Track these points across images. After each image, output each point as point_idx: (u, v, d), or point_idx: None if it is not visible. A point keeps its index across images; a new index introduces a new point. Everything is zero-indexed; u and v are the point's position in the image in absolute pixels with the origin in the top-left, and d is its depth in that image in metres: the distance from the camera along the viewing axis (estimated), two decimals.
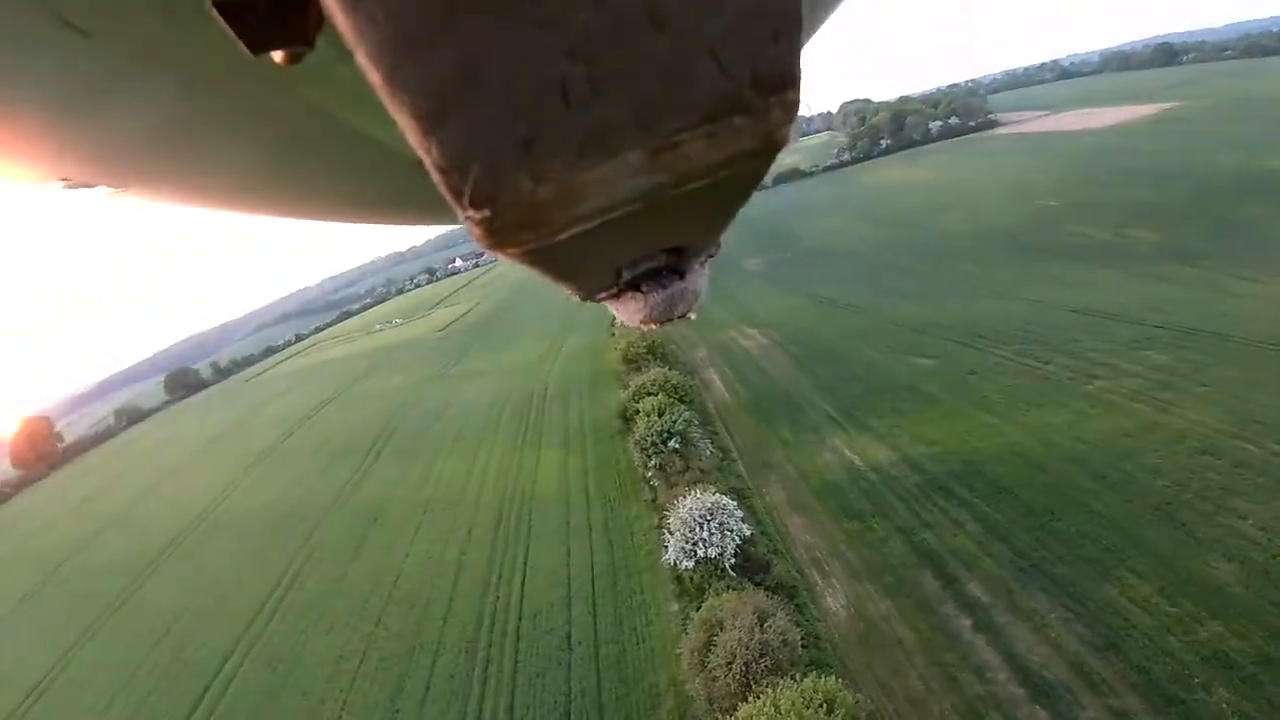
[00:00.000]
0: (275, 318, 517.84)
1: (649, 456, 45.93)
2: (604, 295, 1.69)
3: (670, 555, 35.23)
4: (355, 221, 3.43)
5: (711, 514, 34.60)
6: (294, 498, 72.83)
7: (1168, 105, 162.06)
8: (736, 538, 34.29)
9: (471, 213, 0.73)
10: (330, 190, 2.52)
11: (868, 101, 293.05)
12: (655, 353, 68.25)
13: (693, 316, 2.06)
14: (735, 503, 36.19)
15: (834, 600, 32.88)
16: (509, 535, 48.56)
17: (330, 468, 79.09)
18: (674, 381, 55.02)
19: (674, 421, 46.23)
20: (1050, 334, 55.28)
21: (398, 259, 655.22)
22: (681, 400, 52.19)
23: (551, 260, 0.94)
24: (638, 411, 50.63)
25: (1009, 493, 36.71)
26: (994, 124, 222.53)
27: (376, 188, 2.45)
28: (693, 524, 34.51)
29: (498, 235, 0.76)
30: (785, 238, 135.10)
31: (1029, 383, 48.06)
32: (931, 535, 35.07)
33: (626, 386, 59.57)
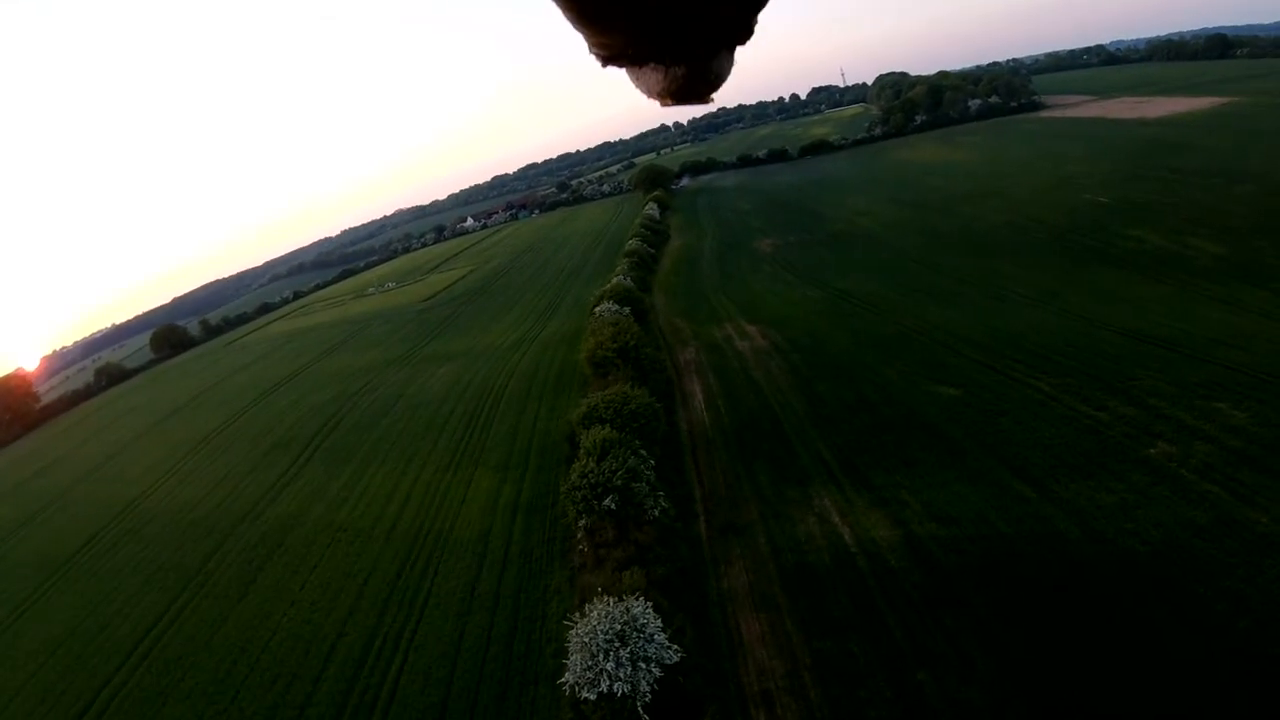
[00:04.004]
0: (290, 269, 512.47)
1: (579, 514, 35.83)
2: (625, 61, 1.67)
3: (569, 678, 25.24)
4: None
5: (623, 639, 24.48)
6: (215, 500, 65.42)
7: (1226, 100, 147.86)
8: (656, 669, 24.23)
9: None
10: None
11: (904, 75, 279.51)
12: (628, 356, 57.43)
13: (711, 99, 2.02)
14: (659, 621, 25.73)
15: None
16: (406, 593, 39.68)
17: (262, 464, 71.67)
18: (633, 405, 44.27)
19: (615, 471, 35.88)
20: (1100, 363, 44.98)
21: (419, 212, 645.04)
22: (639, 432, 41.97)
23: None
24: (579, 447, 40.54)
25: (1042, 613, 26.46)
26: (1038, 106, 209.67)
27: None
28: (595, 650, 24.45)
29: None
30: (806, 216, 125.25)
31: (1074, 436, 37.55)
32: (929, 677, 24.86)
33: (586, 396, 49.37)
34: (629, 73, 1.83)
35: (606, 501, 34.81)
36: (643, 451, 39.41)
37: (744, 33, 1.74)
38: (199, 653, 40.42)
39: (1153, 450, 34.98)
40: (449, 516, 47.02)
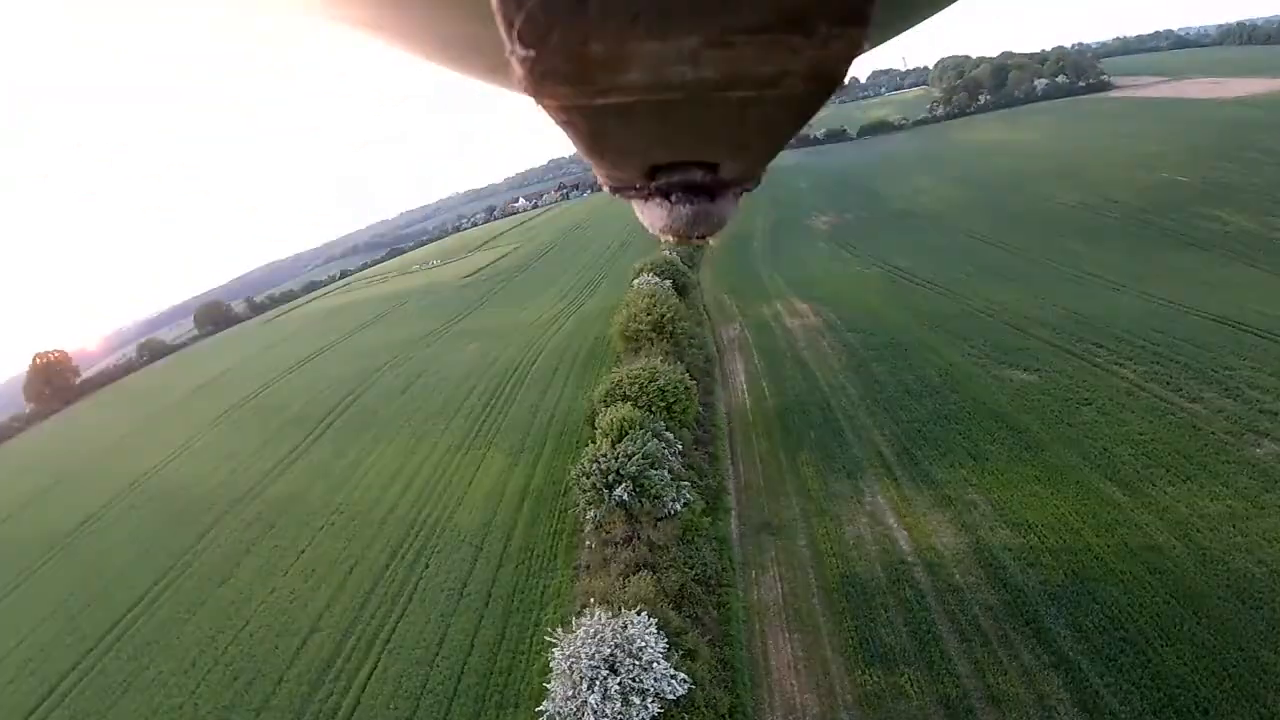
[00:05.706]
0: (344, 250, 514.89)
1: (588, 505, 30.84)
2: (632, 193, 1.67)
3: (548, 707, 20.42)
4: (426, 58, 1.86)
5: (613, 667, 19.53)
6: (219, 477, 63.01)
7: None
8: (654, 704, 19.30)
9: (518, 49, 0.72)
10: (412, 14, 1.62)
11: (966, 57, 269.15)
12: (663, 330, 52.02)
13: (712, 243, 1.98)
14: (662, 644, 20.68)
15: None
16: (392, 586, 36.10)
17: (273, 441, 69.01)
18: (661, 382, 38.94)
19: (630, 456, 30.80)
20: (1190, 350, 39.36)
21: (474, 195, 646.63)
22: (666, 412, 36.90)
23: (586, 124, 0.94)
24: (596, 428, 35.65)
25: (1138, 649, 21.11)
26: (1107, 86, 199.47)
27: (456, 22, 1.56)
28: (578, 678, 19.53)
29: (539, 80, 0.75)
30: (865, 194, 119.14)
31: (1168, 431, 31.97)
32: None
33: (614, 372, 44.36)
34: (634, 205, 1.75)
35: (618, 491, 29.74)
36: (668, 434, 34.65)
37: (753, 182, 1.69)
38: (170, 640, 38.35)
39: (1259, 450, 29.64)
40: (451, 502, 43.10)
